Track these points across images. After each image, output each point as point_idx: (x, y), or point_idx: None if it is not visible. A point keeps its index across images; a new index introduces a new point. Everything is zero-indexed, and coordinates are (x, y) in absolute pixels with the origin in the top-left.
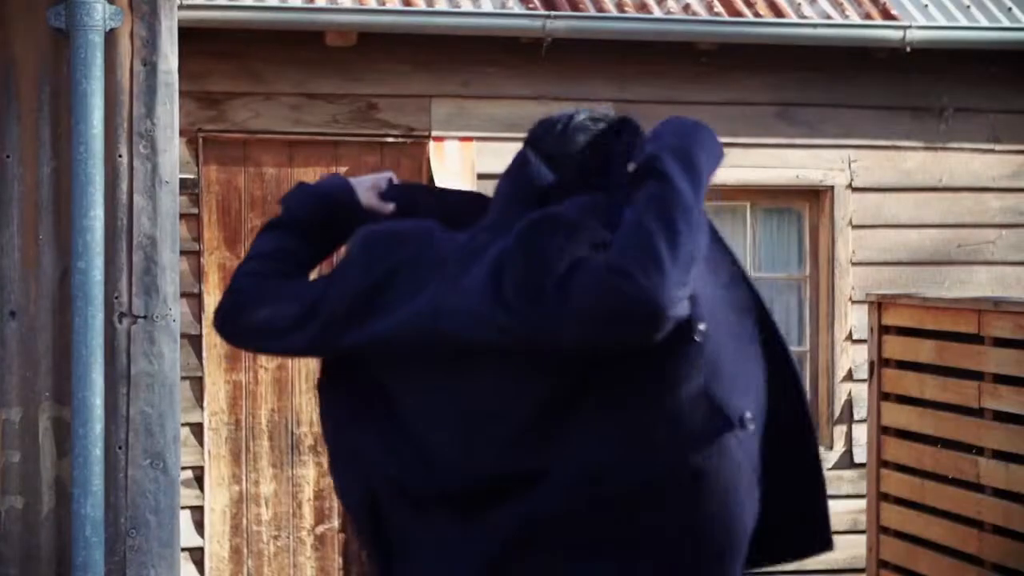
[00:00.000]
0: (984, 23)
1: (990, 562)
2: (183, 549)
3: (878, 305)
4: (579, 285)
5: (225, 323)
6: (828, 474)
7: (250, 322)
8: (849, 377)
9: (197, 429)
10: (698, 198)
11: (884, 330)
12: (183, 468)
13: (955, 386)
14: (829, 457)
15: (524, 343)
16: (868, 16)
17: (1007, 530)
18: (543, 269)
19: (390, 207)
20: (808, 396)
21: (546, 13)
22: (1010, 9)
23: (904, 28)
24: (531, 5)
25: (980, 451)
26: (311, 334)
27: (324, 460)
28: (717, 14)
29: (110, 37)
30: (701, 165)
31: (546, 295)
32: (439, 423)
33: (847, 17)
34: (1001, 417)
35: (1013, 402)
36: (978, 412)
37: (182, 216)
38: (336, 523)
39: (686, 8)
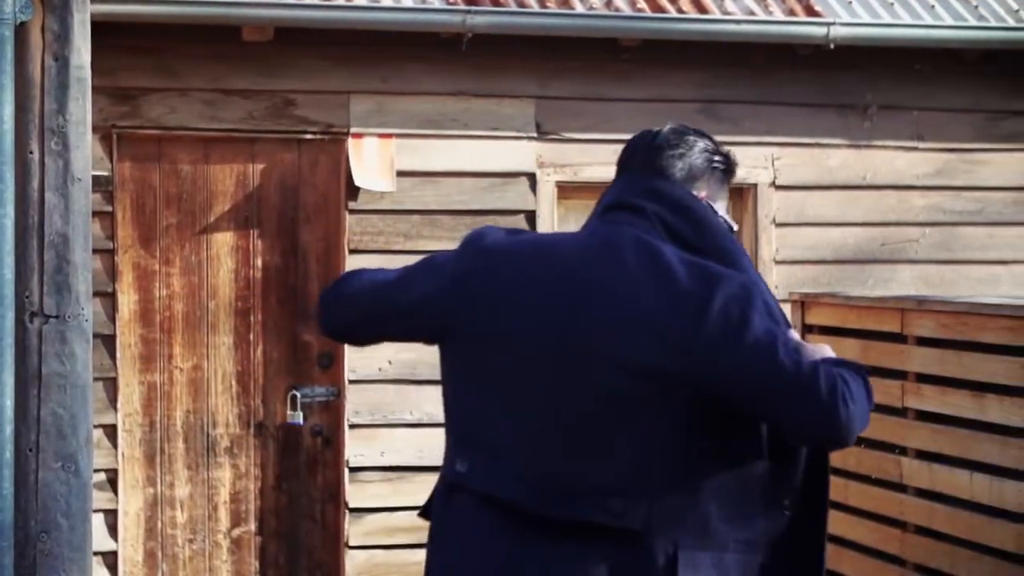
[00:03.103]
0: (908, 20)
1: (912, 563)
2: (96, 553)
3: (801, 304)
4: (819, 375)
5: (326, 298)
6: None
7: (359, 281)
8: None
9: (110, 431)
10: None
11: (808, 329)
12: (96, 470)
13: (878, 386)
14: None
15: (685, 374)
16: (792, 13)
17: (930, 530)
18: (772, 337)
19: None
20: None
21: (466, 8)
22: (933, 7)
23: (828, 25)
24: (451, 0)
25: (903, 451)
26: (436, 280)
27: (240, 462)
28: (640, 10)
29: (20, 31)
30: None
31: (774, 358)
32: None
33: (771, 13)
34: (924, 417)
35: (936, 402)
36: (901, 412)
37: (95, 214)
38: (252, 526)
39: (609, 4)
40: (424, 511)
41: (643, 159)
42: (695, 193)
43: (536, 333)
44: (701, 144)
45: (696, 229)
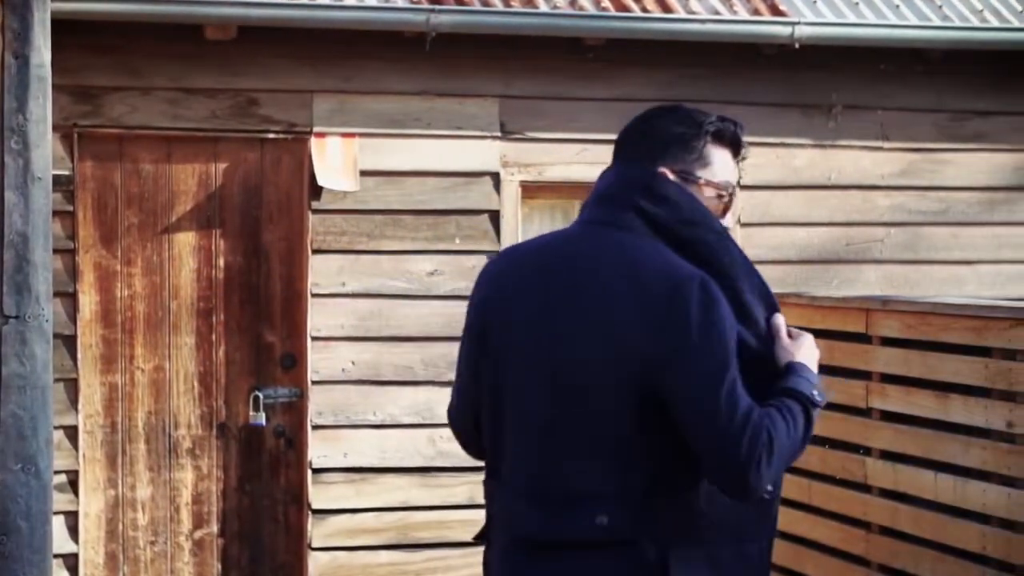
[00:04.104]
0: (872, 20)
1: (877, 563)
2: (56, 555)
3: None
4: (745, 432)
5: (453, 431)
6: None
7: (454, 398)
8: None
9: (71, 432)
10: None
11: None
12: (56, 472)
13: (843, 386)
14: None
15: (637, 372)
16: (757, 12)
17: (894, 531)
18: (720, 372)
19: None
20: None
21: (430, 7)
22: (898, 6)
23: (793, 24)
24: None
25: (867, 451)
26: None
27: (202, 463)
28: (604, 9)
29: None
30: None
31: (713, 397)
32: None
33: (736, 13)
34: (888, 417)
35: (900, 402)
36: (865, 412)
37: (56, 213)
38: (215, 527)
39: (573, 3)
40: (479, 535)
41: (620, 147)
42: (663, 170)
43: (519, 349)
44: (664, 117)
45: (670, 214)
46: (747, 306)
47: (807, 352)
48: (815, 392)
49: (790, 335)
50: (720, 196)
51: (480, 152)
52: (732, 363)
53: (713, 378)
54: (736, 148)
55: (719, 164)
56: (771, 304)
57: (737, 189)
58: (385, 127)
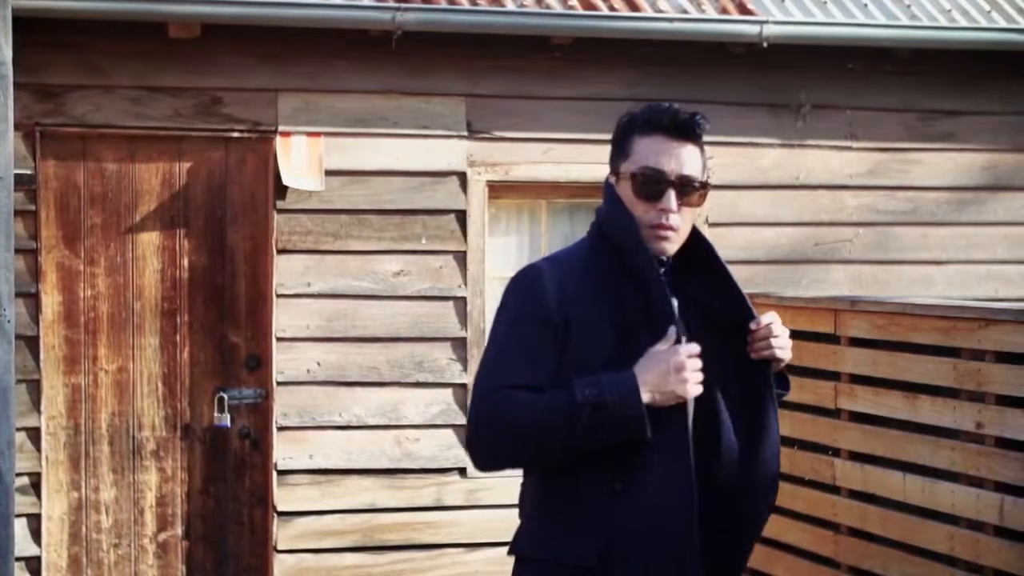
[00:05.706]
0: (841, 19)
1: (846, 564)
2: (18, 559)
3: None
4: (477, 401)
5: None
6: None
7: None
8: None
9: (34, 434)
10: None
11: None
12: (19, 474)
13: (811, 386)
14: None
15: None
16: (725, 11)
17: (863, 532)
18: (490, 345)
19: None
20: None
21: (396, 6)
22: (866, 5)
23: (761, 23)
24: None
25: (836, 452)
26: None
27: (166, 465)
28: (571, 7)
29: None
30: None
31: (478, 373)
32: None
33: (703, 11)
34: (857, 418)
35: (869, 402)
36: (834, 413)
37: (18, 213)
38: (179, 530)
39: (540, 1)
40: None
41: None
42: (609, 173)
43: None
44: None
45: (600, 217)
46: (649, 306)
47: (655, 361)
48: (587, 392)
49: (680, 340)
50: (640, 185)
51: (446, 151)
52: (503, 344)
53: (483, 358)
54: (666, 131)
55: (641, 152)
56: (665, 315)
57: (670, 173)
58: (351, 126)
